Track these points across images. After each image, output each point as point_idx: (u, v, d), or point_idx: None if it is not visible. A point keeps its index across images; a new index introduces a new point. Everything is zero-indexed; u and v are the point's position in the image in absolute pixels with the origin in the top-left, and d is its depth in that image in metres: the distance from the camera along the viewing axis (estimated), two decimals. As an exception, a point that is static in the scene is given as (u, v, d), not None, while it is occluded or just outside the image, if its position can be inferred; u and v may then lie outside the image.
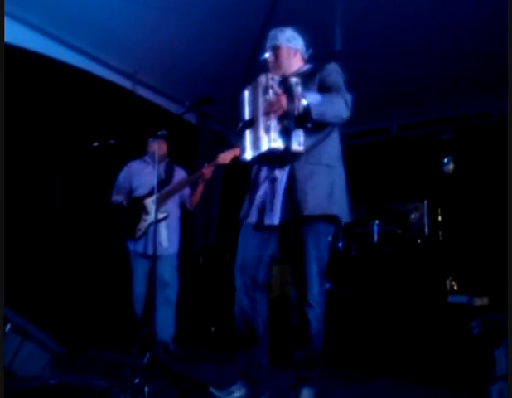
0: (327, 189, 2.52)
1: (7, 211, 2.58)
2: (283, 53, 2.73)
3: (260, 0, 3.79)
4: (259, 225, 2.61)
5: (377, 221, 5.10)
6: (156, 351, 3.89)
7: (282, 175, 2.57)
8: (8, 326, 2.51)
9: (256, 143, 2.51)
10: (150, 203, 4.07)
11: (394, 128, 5.97)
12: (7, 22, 3.87)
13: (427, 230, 4.98)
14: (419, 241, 4.92)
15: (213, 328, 4.54)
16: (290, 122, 2.41)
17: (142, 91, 5.24)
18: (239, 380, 2.58)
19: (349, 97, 2.51)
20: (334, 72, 2.62)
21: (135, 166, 4.28)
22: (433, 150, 5.52)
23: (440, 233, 4.89)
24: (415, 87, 5.10)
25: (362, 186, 6.00)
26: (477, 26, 4.08)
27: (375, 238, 5.06)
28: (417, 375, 3.40)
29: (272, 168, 2.61)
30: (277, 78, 2.53)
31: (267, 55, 2.78)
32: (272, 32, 2.79)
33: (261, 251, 2.63)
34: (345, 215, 2.59)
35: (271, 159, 2.57)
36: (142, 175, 4.18)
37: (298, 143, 2.44)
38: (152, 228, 3.96)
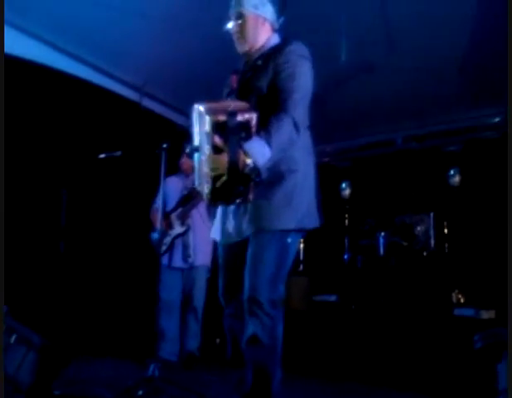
0: (286, 198, 2.19)
1: (13, 221, 2.60)
2: (249, 22, 2.33)
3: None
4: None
5: (383, 234, 5.09)
6: (183, 361, 4.12)
7: None
8: (14, 337, 2.54)
9: (201, 180, 2.23)
10: (174, 218, 4.23)
11: (400, 141, 5.97)
12: (15, 35, 3.93)
13: (433, 242, 4.97)
14: (425, 254, 4.90)
15: (218, 340, 4.53)
16: (232, 184, 2.08)
17: (149, 103, 5.27)
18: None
19: (298, 110, 2.18)
20: (292, 59, 2.23)
21: (170, 180, 4.33)
22: (439, 162, 5.50)
23: (446, 245, 4.88)
24: (420, 99, 5.09)
25: (368, 199, 6.01)
26: (484, 39, 4.07)
27: (381, 250, 5.06)
28: (423, 388, 3.38)
29: None
30: (222, 118, 2.07)
31: (230, 24, 2.38)
32: None
33: None
34: (312, 223, 2.30)
35: None
36: (174, 190, 4.34)
37: (244, 198, 2.15)
38: (177, 242, 4.21)
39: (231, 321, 2.41)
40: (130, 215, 4.88)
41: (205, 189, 2.17)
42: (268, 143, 2.08)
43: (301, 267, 5.68)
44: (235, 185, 2.10)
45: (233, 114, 2.09)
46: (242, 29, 2.34)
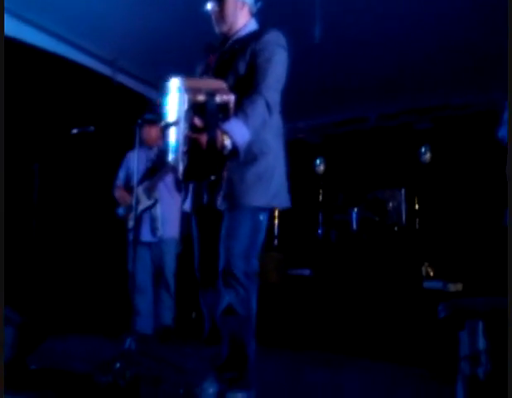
0: (258, 178, 2.28)
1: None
2: (229, 4, 2.39)
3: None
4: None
5: (356, 209, 5.18)
6: (159, 334, 4.11)
7: None
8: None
9: (176, 152, 2.25)
10: (140, 191, 4.06)
11: (373, 118, 6.04)
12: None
13: (404, 217, 5.07)
14: (396, 229, 5.01)
15: (194, 314, 4.59)
16: (209, 158, 2.14)
17: (122, 78, 5.20)
18: (210, 374, 2.35)
19: (271, 93, 2.25)
20: (270, 46, 2.30)
21: (131, 155, 4.29)
22: (411, 140, 5.60)
23: (417, 221, 4.99)
24: (394, 78, 5.14)
25: (342, 175, 6.09)
26: (457, 18, 4.12)
27: (354, 225, 5.15)
28: (394, 357, 3.50)
29: None
30: (201, 97, 2.13)
31: (209, 5, 2.42)
32: None
33: None
34: (282, 202, 2.40)
35: None
36: (134, 164, 4.07)
37: (219, 174, 2.25)
38: (144, 215, 4.12)
39: (206, 295, 2.47)
40: (103, 191, 4.84)
41: (180, 165, 2.20)
42: (246, 124, 2.15)
43: (276, 242, 5.75)
44: (212, 164, 2.17)
45: (212, 94, 2.14)
46: (221, 11, 2.40)
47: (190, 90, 2.16)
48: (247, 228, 2.29)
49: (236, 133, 2.13)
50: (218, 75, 2.35)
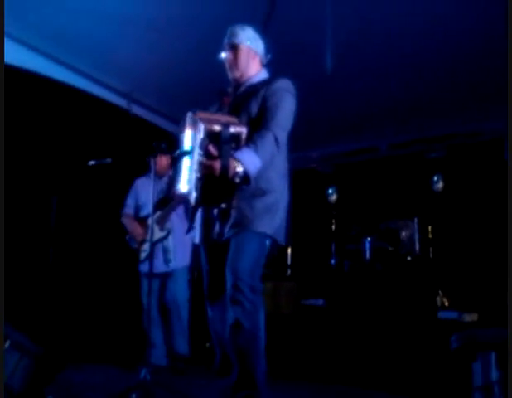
0: (266, 209, 2.42)
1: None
2: (243, 53, 2.59)
3: (255, 18, 3.88)
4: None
5: (369, 239, 5.18)
6: (174, 364, 4.09)
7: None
8: (8, 342, 2.56)
9: (190, 180, 2.35)
10: (152, 222, 4.08)
11: (384, 147, 6.08)
12: (5, 41, 3.93)
13: (417, 247, 5.06)
14: (410, 258, 4.99)
15: (208, 344, 4.57)
16: (220, 186, 2.28)
17: (137, 110, 5.31)
18: None
19: (280, 130, 2.41)
20: (280, 90, 2.49)
21: (140, 183, 4.32)
22: (423, 168, 5.61)
23: (430, 250, 4.97)
24: (404, 106, 5.20)
25: (354, 204, 6.11)
26: (467, 48, 4.18)
27: (367, 255, 5.15)
28: (409, 389, 3.46)
29: None
30: (217, 127, 2.28)
31: (223, 54, 2.62)
32: (232, 29, 2.63)
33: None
34: (281, 238, 2.51)
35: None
36: (147, 193, 4.07)
37: (227, 203, 2.37)
38: (157, 247, 4.08)
39: (216, 323, 2.55)
40: (119, 221, 4.90)
41: (193, 192, 2.31)
42: (257, 153, 2.29)
43: (289, 272, 5.75)
44: (223, 191, 2.30)
45: (226, 125, 2.30)
46: (235, 58, 2.60)
47: (206, 121, 2.32)
48: (254, 247, 2.41)
49: (248, 161, 2.26)
50: (232, 114, 2.51)
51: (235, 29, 2.63)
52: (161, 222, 4.13)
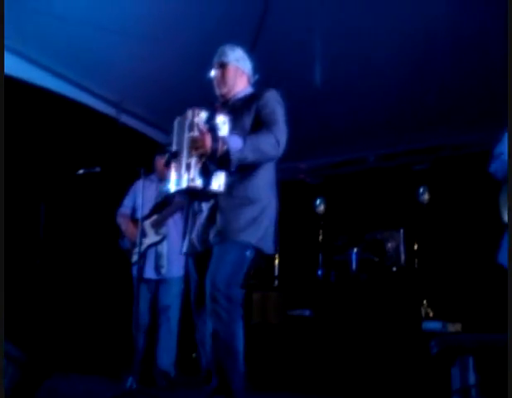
0: (251, 219, 2.48)
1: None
2: (231, 71, 2.70)
3: (244, 33, 3.94)
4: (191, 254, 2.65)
5: (355, 249, 5.22)
6: (156, 379, 3.90)
7: (206, 207, 2.56)
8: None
9: (179, 176, 2.47)
10: (147, 225, 3.99)
11: (372, 159, 6.15)
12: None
13: (403, 258, 5.10)
14: (395, 269, 5.04)
15: (194, 354, 4.57)
16: (211, 163, 2.39)
17: (127, 119, 5.33)
18: None
19: (281, 134, 2.50)
20: (271, 101, 2.59)
21: (140, 184, 4.11)
22: (409, 180, 5.68)
23: (416, 261, 5.02)
24: (392, 119, 5.27)
25: (341, 215, 6.16)
26: (454, 61, 4.26)
27: (354, 266, 5.18)
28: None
29: (198, 201, 2.60)
30: (204, 114, 2.46)
31: (213, 72, 2.73)
32: (222, 49, 2.75)
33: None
34: (267, 248, 2.56)
35: (194, 194, 2.55)
36: (144, 194, 3.94)
37: (218, 184, 2.42)
38: (150, 251, 3.99)
39: (201, 332, 2.59)
40: (108, 230, 4.91)
41: (184, 178, 2.41)
42: (244, 139, 2.43)
43: (276, 282, 5.78)
44: (213, 165, 2.39)
45: (213, 113, 2.49)
46: (223, 76, 2.70)
47: (194, 110, 2.48)
48: (233, 257, 2.47)
49: (231, 140, 2.40)
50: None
51: (225, 49, 2.74)
52: (157, 226, 4.02)
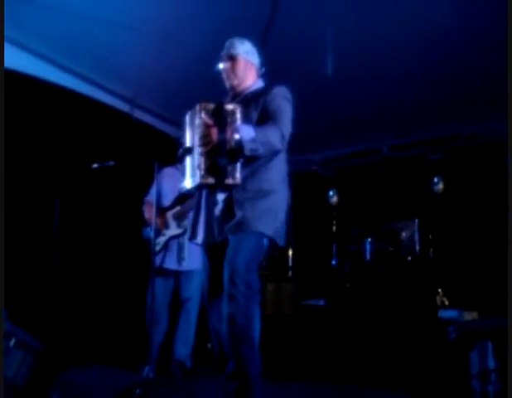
0: (267, 210, 2.50)
1: (6, 230, 2.67)
2: (240, 64, 2.71)
3: (254, 29, 3.95)
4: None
5: (369, 239, 5.22)
6: (173, 369, 3.88)
7: (220, 199, 2.57)
8: (13, 340, 2.61)
9: (193, 172, 2.46)
10: (170, 217, 4.00)
11: (385, 149, 6.12)
12: (8, 48, 3.98)
13: (418, 247, 5.10)
14: (410, 258, 5.03)
15: (209, 344, 4.60)
16: (221, 157, 2.35)
17: (140, 114, 5.36)
18: None
19: (286, 128, 2.51)
20: (279, 97, 2.59)
21: (166, 172, 4.10)
22: (423, 170, 5.66)
23: (431, 250, 5.01)
24: (405, 109, 5.25)
25: (355, 206, 6.15)
26: (466, 52, 4.23)
27: (368, 256, 5.18)
28: (410, 386, 3.49)
29: (214, 193, 2.59)
30: (211, 106, 2.45)
31: (221, 65, 2.73)
32: (231, 41, 2.75)
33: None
34: (280, 240, 2.57)
35: (212, 188, 2.54)
36: (171, 183, 3.97)
37: (233, 177, 2.39)
38: (172, 242, 3.98)
39: (214, 320, 2.62)
40: (123, 224, 4.95)
41: (197, 174, 2.41)
42: (254, 128, 2.42)
43: (290, 273, 5.79)
44: (224, 158, 2.36)
45: (221, 103, 2.48)
46: (233, 68, 2.71)
47: (202, 104, 2.48)
48: (251, 244, 2.48)
49: (243, 129, 2.39)
50: None
51: (234, 41, 2.74)
52: (179, 219, 4.00)
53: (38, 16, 3.88)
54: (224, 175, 2.38)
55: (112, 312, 4.85)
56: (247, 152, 2.36)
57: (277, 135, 2.46)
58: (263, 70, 2.81)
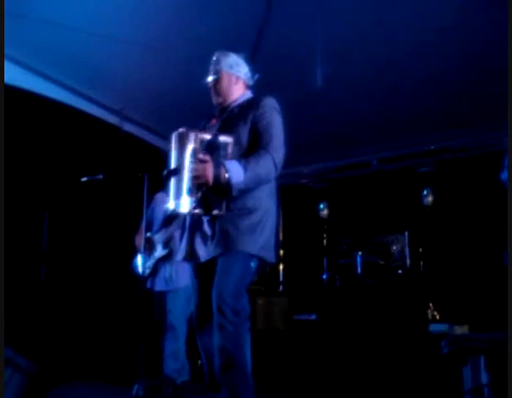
0: (250, 229, 2.44)
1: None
2: (224, 79, 2.66)
3: (244, 41, 3.95)
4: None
5: (360, 253, 5.21)
6: (163, 386, 3.86)
7: (206, 218, 2.51)
8: None
9: (178, 197, 2.41)
10: (156, 240, 4.09)
11: (375, 163, 6.13)
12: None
13: (408, 260, 5.09)
14: (401, 272, 5.02)
15: (200, 362, 4.55)
16: (211, 192, 2.34)
17: (129, 127, 5.33)
18: None
19: (278, 153, 2.46)
20: (268, 111, 2.54)
21: (159, 197, 4.19)
22: (413, 183, 5.67)
23: (421, 263, 5.01)
24: (395, 122, 5.27)
25: (345, 219, 6.15)
26: (454, 64, 4.26)
27: (359, 269, 5.17)
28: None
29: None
30: (207, 138, 2.41)
31: (209, 79, 2.69)
32: (216, 56, 2.71)
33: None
34: (269, 256, 2.52)
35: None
36: (160, 208, 4.06)
37: (220, 208, 2.38)
38: (160, 264, 4.05)
39: (203, 339, 2.55)
40: (112, 238, 4.90)
41: (184, 202, 2.37)
42: (245, 168, 2.36)
43: (281, 287, 5.76)
44: (215, 194, 2.35)
45: (216, 134, 2.43)
46: (217, 84, 2.67)
47: (195, 132, 2.43)
48: (238, 269, 2.42)
49: (233, 170, 2.33)
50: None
51: (218, 56, 2.70)
52: (165, 240, 4.08)
53: (26, 29, 3.86)
54: (212, 207, 2.38)
55: (102, 328, 4.78)
56: (235, 192, 2.35)
57: (269, 166, 2.42)
58: (256, 77, 2.76)
